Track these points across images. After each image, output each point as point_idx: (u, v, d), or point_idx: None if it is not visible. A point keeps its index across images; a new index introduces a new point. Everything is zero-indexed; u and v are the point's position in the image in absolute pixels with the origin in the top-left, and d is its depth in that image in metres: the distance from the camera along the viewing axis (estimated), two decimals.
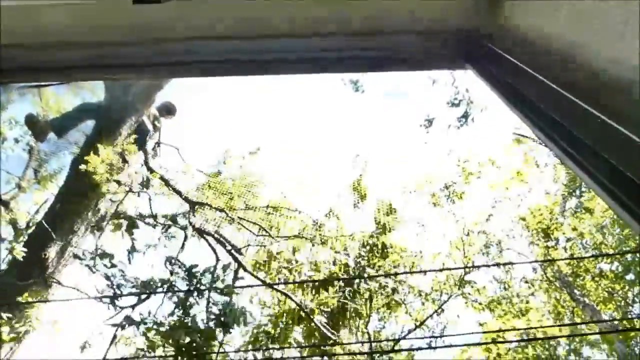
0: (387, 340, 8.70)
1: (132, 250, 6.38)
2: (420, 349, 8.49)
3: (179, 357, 5.33)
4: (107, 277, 6.16)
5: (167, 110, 8.04)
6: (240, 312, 5.88)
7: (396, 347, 8.87)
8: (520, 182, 10.73)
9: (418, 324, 8.77)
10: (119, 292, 6.05)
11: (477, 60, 1.24)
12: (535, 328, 8.38)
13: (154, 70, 1.54)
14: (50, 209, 6.89)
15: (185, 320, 5.67)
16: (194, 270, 6.09)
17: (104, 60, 1.44)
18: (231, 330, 5.92)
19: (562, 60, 0.88)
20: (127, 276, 6.04)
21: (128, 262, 6.31)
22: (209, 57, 1.42)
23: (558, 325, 9.70)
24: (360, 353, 7.27)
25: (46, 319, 5.96)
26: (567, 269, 10.60)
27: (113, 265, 6.06)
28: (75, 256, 6.15)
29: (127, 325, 5.88)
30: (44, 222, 6.58)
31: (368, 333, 7.63)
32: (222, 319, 5.74)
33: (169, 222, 7.30)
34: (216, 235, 7.14)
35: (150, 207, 7.25)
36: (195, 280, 5.99)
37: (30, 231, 7.29)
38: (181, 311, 5.71)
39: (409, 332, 8.66)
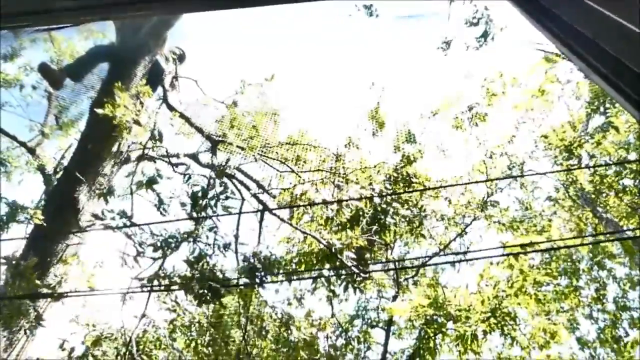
0: (411, 266, 8.92)
1: (161, 203, 6.45)
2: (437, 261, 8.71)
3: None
4: (129, 236, 6.26)
5: (178, 57, 8.01)
6: (273, 260, 5.92)
7: (420, 270, 9.13)
8: (543, 102, 10.50)
9: (442, 247, 8.94)
10: (141, 250, 6.12)
11: None
12: (556, 241, 8.49)
13: (161, 6, 1.52)
14: (75, 153, 7.03)
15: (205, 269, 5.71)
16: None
17: None
18: (264, 284, 5.98)
19: None
20: (153, 231, 6.12)
21: (161, 214, 6.36)
22: None
23: (579, 237, 9.81)
24: (387, 269, 7.50)
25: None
26: (590, 186, 10.56)
27: (133, 224, 6.12)
28: (95, 216, 6.26)
29: (143, 254, 6.03)
30: (70, 167, 6.75)
31: (394, 258, 7.82)
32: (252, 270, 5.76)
33: (190, 164, 7.35)
34: (239, 177, 7.22)
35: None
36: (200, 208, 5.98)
37: (58, 176, 7.50)
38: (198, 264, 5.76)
39: (433, 255, 8.86)
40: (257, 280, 5.75)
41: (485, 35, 10.18)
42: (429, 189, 8.15)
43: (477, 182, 9.37)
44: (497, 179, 9.70)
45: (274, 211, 6.96)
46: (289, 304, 8.50)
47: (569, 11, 0.88)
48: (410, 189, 7.96)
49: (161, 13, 5.24)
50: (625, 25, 0.73)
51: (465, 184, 9.23)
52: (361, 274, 6.38)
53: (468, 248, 9.41)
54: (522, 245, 7.14)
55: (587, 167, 10.15)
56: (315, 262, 6.93)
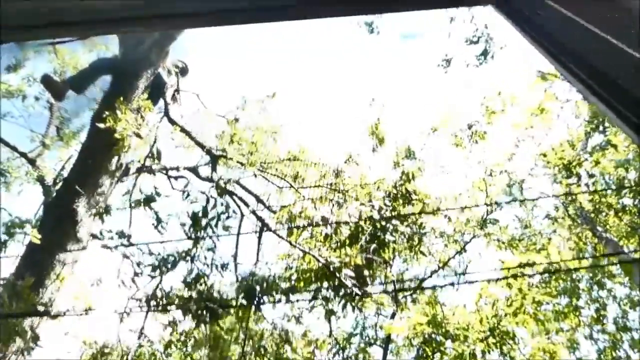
0: (409, 289, 8.87)
1: (159, 221, 6.40)
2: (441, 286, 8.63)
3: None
4: (126, 256, 6.24)
5: (180, 70, 8.05)
6: (270, 282, 5.88)
7: (419, 288, 9.05)
8: (542, 120, 10.53)
9: (441, 265, 8.89)
10: (139, 270, 6.10)
11: None
12: (557, 262, 8.45)
13: (165, 22, 1.52)
14: (75, 165, 7.03)
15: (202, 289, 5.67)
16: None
17: (112, 13, 1.42)
18: (261, 306, 5.93)
19: None
20: (151, 250, 6.10)
21: (159, 233, 6.30)
22: (223, 6, 1.40)
23: (579, 259, 9.76)
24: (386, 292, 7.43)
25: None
26: (589, 205, 10.54)
27: (131, 244, 6.11)
28: (94, 236, 6.25)
29: (141, 275, 6.00)
30: (69, 179, 6.74)
31: (393, 277, 7.76)
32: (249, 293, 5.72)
33: (189, 177, 7.34)
34: (238, 192, 7.21)
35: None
36: (201, 228, 5.95)
37: (57, 187, 7.49)
38: (198, 283, 5.72)
39: (432, 273, 8.80)
40: (255, 302, 5.70)
41: (485, 53, 10.25)
42: (433, 211, 8.12)
43: (477, 205, 9.36)
44: (497, 203, 9.69)
45: (273, 229, 6.93)
46: (288, 320, 8.43)
47: (569, 35, 0.88)
48: (410, 205, 7.93)
49: (164, 28, 5.27)
50: (624, 50, 0.73)
51: (469, 207, 9.21)
52: (360, 293, 6.34)
53: (467, 266, 9.35)
54: (520, 266, 7.10)
55: (588, 191, 10.15)
56: (314, 279, 6.88)
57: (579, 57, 0.83)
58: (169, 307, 5.70)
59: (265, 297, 5.80)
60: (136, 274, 5.97)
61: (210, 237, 5.95)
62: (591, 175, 10.18)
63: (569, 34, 0.87)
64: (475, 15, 9.91)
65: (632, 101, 0.70)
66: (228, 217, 5.95)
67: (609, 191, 10.37)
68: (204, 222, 5.84)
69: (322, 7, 1.36)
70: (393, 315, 8.12)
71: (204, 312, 5.20)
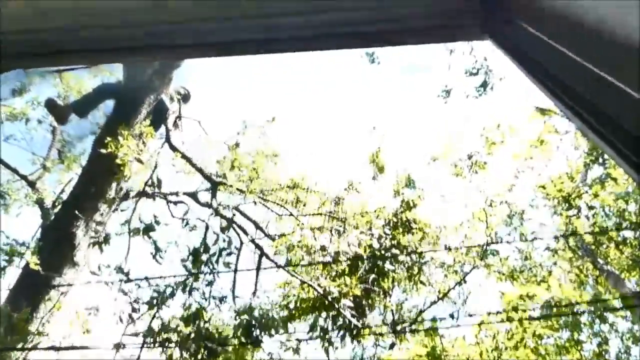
0: (411, 330, 8.76)
1: (157, 250, 6.38)
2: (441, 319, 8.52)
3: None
4: (124, 292, 6.22)
5: (183, 97, 8.14)
6: (270, 319, 5.84)
7: (419, 319, 8.92)
8: (542, 151, 10.57)
9: (441, 295, 8.79)
10: (137, 305, 6.07)
11: (496, 31, 1.21)
12: (560, 306, 8.36)
13: (167, 52, 1.54)
14: (74, 188, 7.03)
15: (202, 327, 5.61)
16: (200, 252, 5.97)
17: (115, 43, 1.43)
18: (261, 342, 5.87)
19: (586, 31, 0.86)
20: (149, 282, 6.07)
21: (157, 262, 6.27)
22: (222, 39, 1.41)
23: (582, 303, 9.66)
24: (386, 333, 7.34)
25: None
26: (590, 238, 10.48)
27: (129, 280, 6.09)
28: (92, 273, 6.24)
29: (140, 313, 5.95)
30: (69, 202, 6.73)
31: (392, 309, 7.67)
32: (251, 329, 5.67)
33: (188, 203, 7.32)
34: (238, 220, 7.19)
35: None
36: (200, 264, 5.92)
37: (56, 210, 7.48)
38: (197, 320, 5.67)
39: (432, 304, 8.70)
40: (254, 339, 5.64)
41: (484, 85, 10.35)
42: (434, 243, 8.09)
43: (474, 246, 9.31)
44: (500, 240, 9.66)
45: (271, 257, 6.89)
46: (285, 349, 8.28)
47: (568, 72, 0.88)
48: (410, 234, 7.88)
49: (166, 58, 5.34)
50: (624, 89, 0.72)
51: (474, 246, 9.16)
52: (358, 324, 6.26)
53: (467, 297, 9.24)
54: (522, 300, 7.02)
55: (589, 232, 10.11)
56: (312, 309, 6.79)
57: (578, 95, 0.83)
58: (166, 345, 5.62)
59: (264, 334, 5.73)
60: (134, 310, 5.92)
61: (212, 273, 5.92)
62: (591, 207, 10.15)
63: (567, 71, 0.88)
64: (474, 47, 10.05)
65: (632, 140, 0.69)
66: (230, 254, 5.95)
67: (610, 224, 10.33)
68: (204, 256, 5.82)
69: (322, 40, 1.38)
70: (392, 346, 7.99)
71: (202, 350, 5.15)
